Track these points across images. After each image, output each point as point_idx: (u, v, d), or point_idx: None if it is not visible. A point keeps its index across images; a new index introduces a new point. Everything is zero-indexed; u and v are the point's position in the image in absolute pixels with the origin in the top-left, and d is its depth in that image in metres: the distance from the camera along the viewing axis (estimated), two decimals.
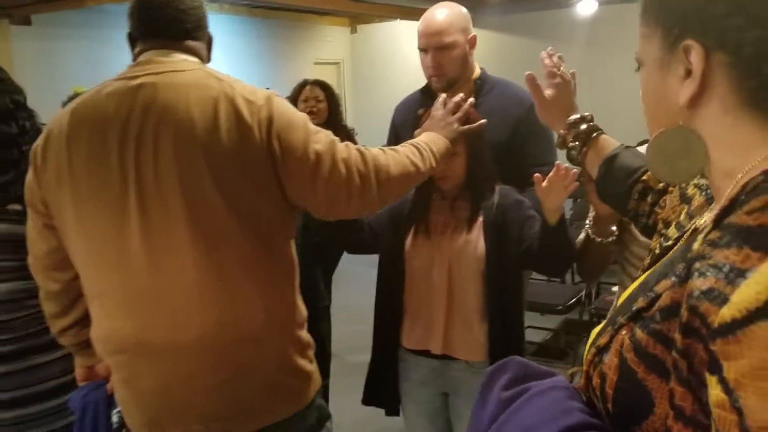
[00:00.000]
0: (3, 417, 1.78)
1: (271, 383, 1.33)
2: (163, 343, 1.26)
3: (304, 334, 1.41)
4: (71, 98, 2.73)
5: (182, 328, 1.25)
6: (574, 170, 1.41)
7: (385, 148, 1.40)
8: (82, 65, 5.70)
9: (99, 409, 1.53)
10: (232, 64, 6.89)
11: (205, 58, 1.42)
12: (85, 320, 1.47)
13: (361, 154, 1.33)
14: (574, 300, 3.63)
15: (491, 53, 5.73)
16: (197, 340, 1.25)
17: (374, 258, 1.88)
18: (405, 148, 1.43)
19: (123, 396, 1.38)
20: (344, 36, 8.62)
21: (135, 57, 1.37)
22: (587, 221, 1.60)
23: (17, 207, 1.74)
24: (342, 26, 8.49)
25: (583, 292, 3.71)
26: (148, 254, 1.23)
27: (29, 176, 1.40)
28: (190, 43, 1.37)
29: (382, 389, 1.85)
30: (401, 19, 7.14)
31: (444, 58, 1.92)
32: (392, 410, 1.88)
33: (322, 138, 1.30)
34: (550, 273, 2.06)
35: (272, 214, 1.28)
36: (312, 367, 1.43)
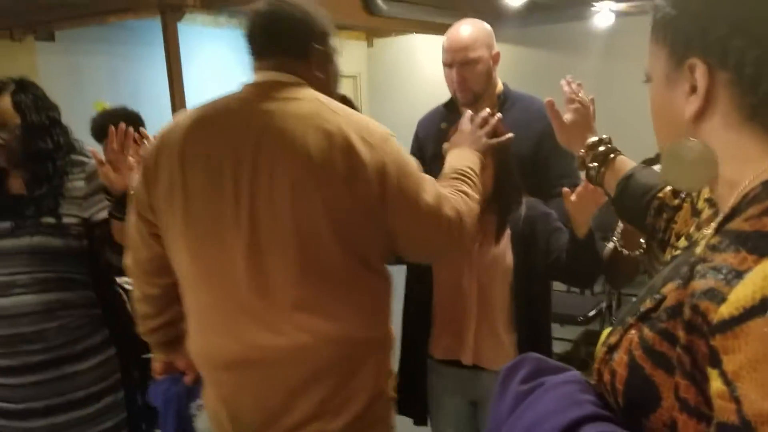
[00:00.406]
0: (36, 425, 1.82)
1: (365, 408, 1.33)
2: (264, 362, 1.29)
3: (392, 361, 1.42)
4: (101, 115, 2.81)
5: (283, 349, 1.27)
6: None
7: (459, 192, 1.41)
8: (104, 80, 5.79)
9: (182, 402, 1.56)
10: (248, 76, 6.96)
11: (318, 78, 1.39)
12: (174, 321, 1.51)
13: (458, 212, 1.34)
14: (594, 311, 3.62)
15: (510, 65, 5.73)
16: (297, 360, 1.28)
17: (400, 269, 1.90)
18: (467, 186, 1.43)
19: (218, 412, 1.39)
20: (361, 50, 8.69)
21: (252, 72, 1.37)
22: (615, 234, 1.62)
23: (51, 220, 1.78)
24: (359, 40, 8.56)
25: (604, 303, 3.70)
26: (255, 275, 1.25)
27: (138, 183, 1.41)
28: (305, 63, 1.35)
29: (410, 399, 1.86)
30: (417, 33, 7.19)
31: (469, 73, 1.95)
32: (420, 420, 1.89)
33: (430, 189, 1.31)
34: (578, 284, 2.08)
35: (374, 245, 1.30)
36: (394, 396, 1.44)
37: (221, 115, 1.31)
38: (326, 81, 1.40)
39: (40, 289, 1.76)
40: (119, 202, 1.78)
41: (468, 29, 1.96)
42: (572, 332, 4.05)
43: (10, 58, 5.75)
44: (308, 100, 1.29)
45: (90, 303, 1.86)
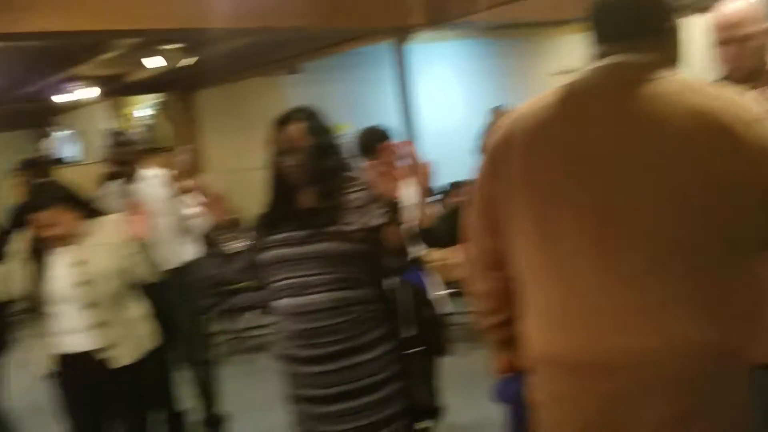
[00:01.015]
0: (331, 410, 2.05)
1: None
2: (608, 366, 1.19)
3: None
4: (365, 133, 3.10)
5: (630, 352, 1.17)
6: None
7: None
8: (342, 104, 6.35)
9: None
10: (471, 84, 7.12)
11: (674, 58, 1.30)
12: (513, 319, 1.44)
13: None
14: None
15: None
16: (643, 365, 1.17)
17: None
18: None
19: (551, 411, 1.31)
20: (580, 44, 8.41)
21: (597, 58, 1.30)
22: None
23: (337, 228, 2.03)
24: (575, 34, 8.30)
25: None
26: (603, 271, 1.18)
27: (481, 175, 1.40)
28: (656, 42, 1.26)
29: None
30: None
31: (741, 50, 1.85)
32: None
33: None
34: None
35: (750, 236, 1.17)
36: None
37: (572, 101, 1.25)
38: (675, 57, 1.30)
39: (330, 288, 2.01)
40: (391, 209, 1.98)
41: (737, 5, 1.88)
42: None
43: (264, 91, 6.57)
44: (671, 78, 1.20)
45: (372, 299, 2.07)
